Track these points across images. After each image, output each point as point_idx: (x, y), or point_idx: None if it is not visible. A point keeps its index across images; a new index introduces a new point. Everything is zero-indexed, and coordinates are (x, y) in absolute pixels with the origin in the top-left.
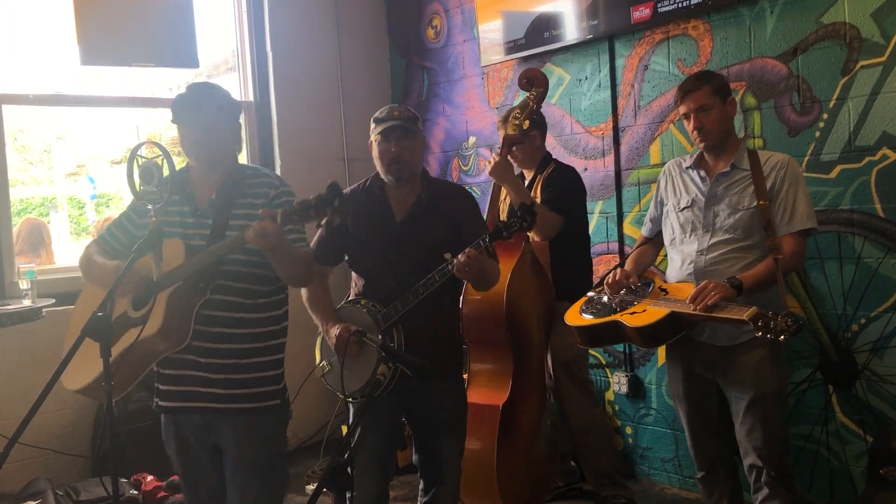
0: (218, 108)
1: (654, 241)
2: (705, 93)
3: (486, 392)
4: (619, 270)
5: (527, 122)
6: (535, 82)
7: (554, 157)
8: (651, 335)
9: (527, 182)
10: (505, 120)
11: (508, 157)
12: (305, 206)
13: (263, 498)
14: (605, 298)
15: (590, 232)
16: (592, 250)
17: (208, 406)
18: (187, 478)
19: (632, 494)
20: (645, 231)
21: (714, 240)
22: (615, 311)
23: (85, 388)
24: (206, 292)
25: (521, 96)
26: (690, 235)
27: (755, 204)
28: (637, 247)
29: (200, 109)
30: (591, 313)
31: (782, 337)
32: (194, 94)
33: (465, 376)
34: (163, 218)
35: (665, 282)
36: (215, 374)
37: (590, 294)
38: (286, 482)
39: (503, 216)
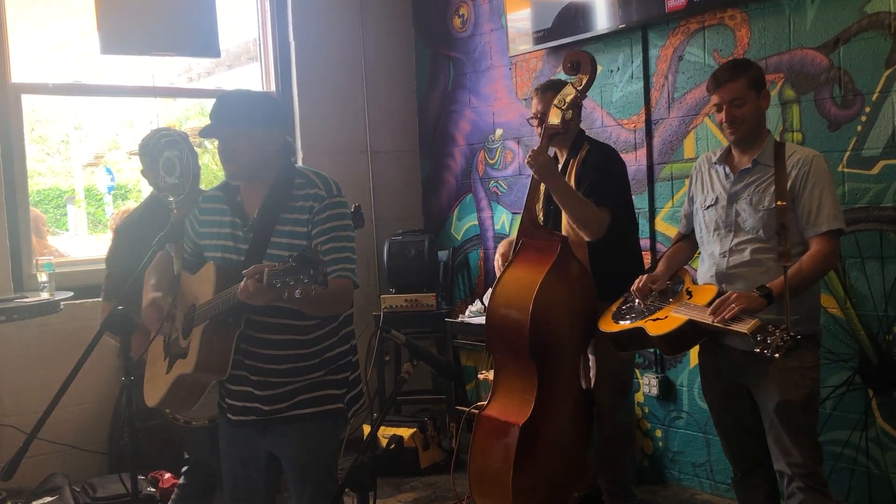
0: (233, 123)
1: (691, 238)
2: (740, 85)
3: (507, 408)
4: (643, 276)
5: (570, 112)
6: (580, 67)
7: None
8: (672, 343)
9: (560, 165)
10: (542, 91)
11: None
12: (287, 271)
13: (318, 499)
14: (636, 302)
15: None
16: None
17: (262, 419)
18: (234, 491)
19: None
20: (681, 228)
21: (737, 240)
22: (644, 315)
23: (160, 402)
24: (239, 324)
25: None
26: (714, 235)
27: (776, 204)
28: (673, 244)
29: (219, 126)
30: (622, 319)
31: (777, 354)
32: (214, 109)
33: (486, 376)
34: (216, 229)
35: (695, 281)
36: (265, 390)
37: (626, 294)
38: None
39: (540, 214)
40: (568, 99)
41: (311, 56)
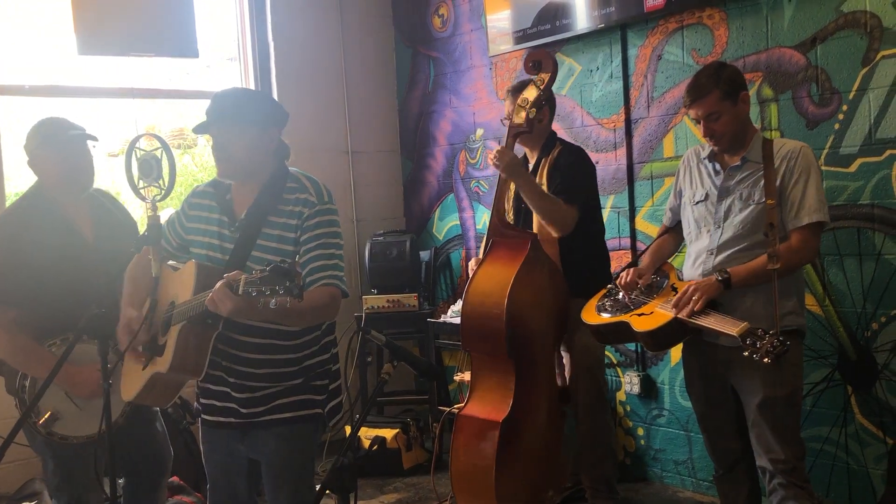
0: (229, 121)
1: (676, 231)
2: (713, 99)
3: (485, 406)
4: (630, 270)
5: (533, 111)
6: (541, 66)
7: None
8: (657, 339)
9: (531, 165)
10: (512, 92)
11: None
12: (263, 280)
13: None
14: (621, 294)
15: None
16: None
17: (240, 421)
18: (216, 494)
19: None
20: (666, 220)
21: (725, 237)
22: (629, 309)
23: (136, 397)
24: (217, 326)
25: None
26: (703, 231)
27: (765, 202)
28: (658, 237)
29: (214, 124)
30: (605, 311)
31: (766, 360)
32: (210, 105)
33: (462, 377)
34: (203, 226)
35: (680, 277)
36: (242, 393)
37: (609, 286)
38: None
39: (510, 214)
40: (531, 98)
41: (291, 56)
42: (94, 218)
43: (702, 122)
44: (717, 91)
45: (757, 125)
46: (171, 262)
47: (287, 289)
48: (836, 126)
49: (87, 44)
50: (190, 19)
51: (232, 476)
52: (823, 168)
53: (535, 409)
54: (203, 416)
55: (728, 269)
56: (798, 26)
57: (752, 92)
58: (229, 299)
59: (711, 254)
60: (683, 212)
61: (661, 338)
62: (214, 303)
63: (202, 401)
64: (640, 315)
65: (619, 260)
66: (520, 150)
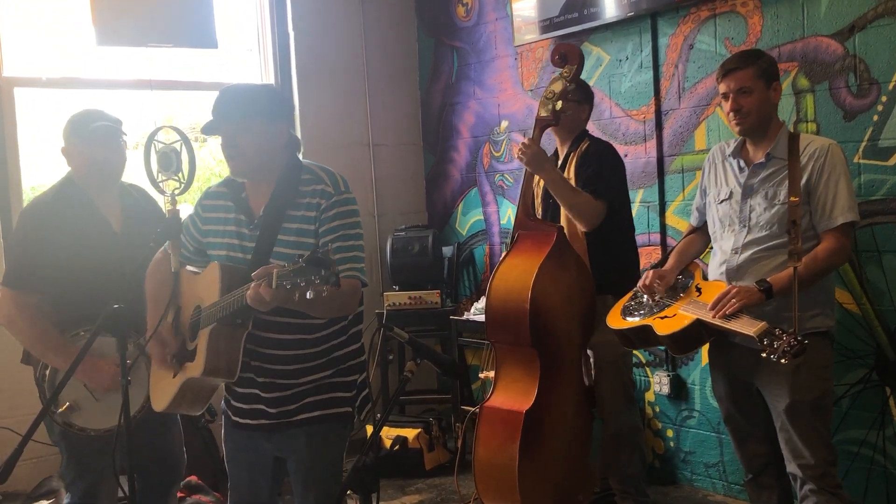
0: (236, 117)
1: (703, 230)
2: (748, 74)
3: (509, 396)
4: (650, 272)
5: (559, 104)
6: (568, 58)
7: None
8: (679, 342)
9: (560, 159)
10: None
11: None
12: (298, 272)
13: (323, 503)
14: (645, 297)
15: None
16: None
17: (269, 423)
18: (237, 494)
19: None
20: (692, 220)
21: (750, 237)
22: (653, 312)
23: (169, 405)
24: (246, 326)
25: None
26: (728, 230)
27: (789, 199)
28: (684, 236)
29: (221, 121)
30: (630, 315)
31: (783, 360)
32: (216, 103)
33: (487, 375)
34: (221, 227)
35: (705, 276)
36: (271, 392)
37: (635, 290)
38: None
39: (538, 208)
40: (557, 90)
41: (311, 47)
42: (123, 210)
43: (731, 96)
44: (753, 67)
45: (792, 117)
46: (189, 268)
47: (323, 278)
48: (875, 118)
49: (106, 35)
50: (209, 10)
51: (255, 475)
52: (861, 161)
53: (561, 405)
54: (232, 417)
55: (768, 280)
56: (835, 14)
57: (787, 82)
58: (268, 294)
59: (736, 253)
60: (708, 210)
61: (684, 340)
62: (258, 299)
63: (233, 403)
64: (662, 318)
65: (648, 256)
66: (551, 144)
